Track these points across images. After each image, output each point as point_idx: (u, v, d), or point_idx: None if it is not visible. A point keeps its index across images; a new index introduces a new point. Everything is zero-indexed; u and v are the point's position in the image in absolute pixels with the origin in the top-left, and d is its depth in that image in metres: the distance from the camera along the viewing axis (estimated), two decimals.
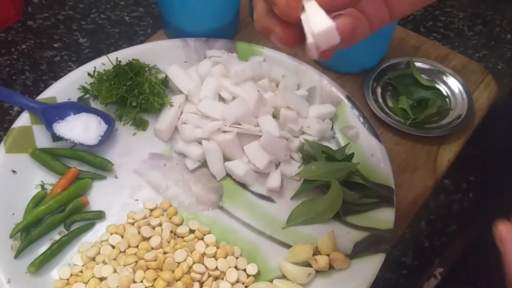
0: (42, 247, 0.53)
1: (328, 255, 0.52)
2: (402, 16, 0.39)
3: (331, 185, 0.56)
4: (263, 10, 0.34)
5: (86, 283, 0.50)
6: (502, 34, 0.82)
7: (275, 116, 0.63)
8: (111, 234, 0.54)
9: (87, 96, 0.64)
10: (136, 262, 0.50)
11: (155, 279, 0.50)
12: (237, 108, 0.60)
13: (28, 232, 0.53)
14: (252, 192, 0.59)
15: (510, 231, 0.36)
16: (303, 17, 0.33)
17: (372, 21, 0.38)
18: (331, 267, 0.52)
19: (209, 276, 0.51)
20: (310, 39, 0.33)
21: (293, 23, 0.33)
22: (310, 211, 0.57)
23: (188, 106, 0.64)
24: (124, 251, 0.52)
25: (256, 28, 0.36)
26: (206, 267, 0.51)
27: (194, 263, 0.51)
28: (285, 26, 0.34)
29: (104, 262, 0.51)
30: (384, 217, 0.55)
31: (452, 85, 0.69)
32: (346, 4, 0.32)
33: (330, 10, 0.32)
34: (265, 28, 0.35)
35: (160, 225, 0.55)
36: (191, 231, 0.55)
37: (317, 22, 0.32)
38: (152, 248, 0.52)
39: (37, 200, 0.55)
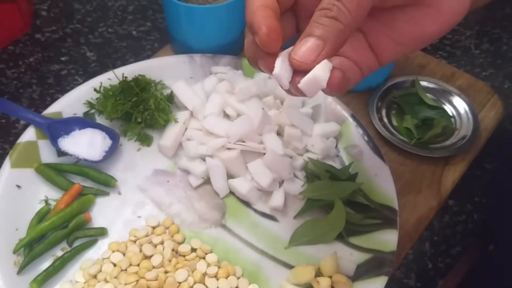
0: (45, 263, 0.53)
1: (330, 277, 0.52)
2: (390, 62, 0.40)
3: (334, 205, 0.56)
4: (252, 39, 0.36)
5: None
6: (509, 53, 0.82)
7: (279, 133, 0.63)
8: (113, 251, 0.54)
9: (93, 111, 0.65)
10: (137, 281, 0.50)
11: None
12: (242, 126, 0.60)
13: (31, 248, 0.53)
14: (255, 211, 0.59)
15: None
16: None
17: (361, 68, 0.39)
18: None
19: None
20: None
21: (276, 52, 0.35)
22: (313, 231, 0.56)
23: (193, 123, 0.64)
24: (126, 270, 0.52)
25: (245, 54, 0.38)
26: (207, 287, 0.51)
27: (195, 283, 0.51)
28: (272, 55, 0.35)
29: (106, 280, 0.51)
30: (387, 239, 0.55)
31: (457, 104, 0.69)
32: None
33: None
34: (253, 55, 0.37)
35: (162, 243, 0.55)
36: (193, 250, 0.55)
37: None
38: (154, 267, 0.52)
39: (41, 216, 0.56)
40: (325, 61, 0.34)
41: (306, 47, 0.33)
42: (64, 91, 0.70)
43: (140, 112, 0.62)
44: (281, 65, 0.35)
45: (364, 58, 0.39)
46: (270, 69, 0.36)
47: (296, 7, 0.39)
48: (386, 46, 0.39)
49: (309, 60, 0.33)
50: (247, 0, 0.35)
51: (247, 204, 0.60)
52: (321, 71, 0.34)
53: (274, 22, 0.34)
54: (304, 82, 0.34)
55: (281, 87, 0.37)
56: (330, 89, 0.35)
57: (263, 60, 0.36)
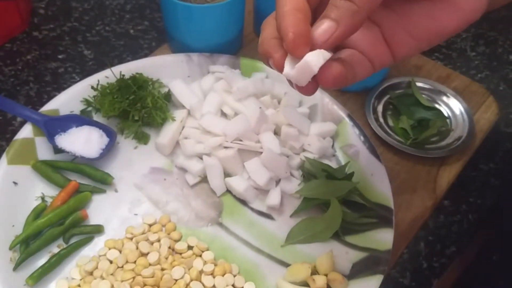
0: (41, 260, 0.53)
1: (326, 275, 0.52)
2: (405, 58, 0.40)
3: (330, 204, 0.56)
4: (269, 35, 0.37)
5: None
6: (505, 55, 0.82)
7: (276, 133, 0.63)
8: (109, 248, 0.54)
9: (90, 109, 0.65)
10: (134, 278, 0.50)
11: None
12: (239, 124, 0.60)
13: (27, 244, 0.53)
14: (252, 209, 0.59)
15: None
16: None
17: (373, 62, 0.39)
18: (328, 287, 0.52)
19: None
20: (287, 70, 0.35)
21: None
22: (309, 230, 0.57)
23: (190, 121, 0.64)
24: (122, 267, 0.52)
25: (258, 50, 0.38)
26: (203, 284, 0.51)
27: (191, 280, 0.51)
28: (283, 54, 0.35)
29: (102, 277, 0.51)
30: (383, 238, 0.55)
31: (453, 106, 0.70)
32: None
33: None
34: (266, 52, 0.37)
35: (159, 240, 0.55)
36: (190, 248, 0.55)
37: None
38: (150, 264, 0.52)
39: (37, 213, 0.56)
40: (322, 50, 0.34)
41: (320, 28, 0.33)
42: (61, 88, 0.70)
43: (137, 110, 0.63)
44: (290, 64, 0.35)
45: (378, 52, 0.39)
46: (279, 68, 0.36)
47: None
48: (402, 40, 0.39)
49: (321, 41, 0.33)
50: (278, 1, 0.35)
51: (243, 202, 0.60)
52: (314, 57, 0.34)
53: (303, 27, 0.34)
54: (296, 69, 0.35)
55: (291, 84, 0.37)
56: (325, 80, 0.35)
57: (273, 59, 0.36)
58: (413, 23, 0.38)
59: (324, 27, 0.33)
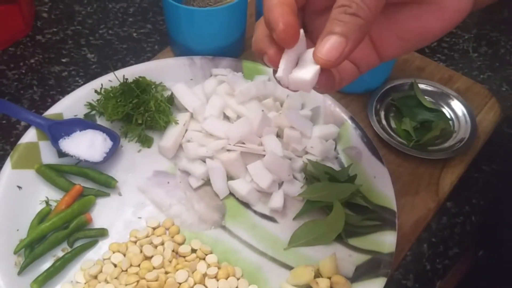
0: (45, 264, 0.53)
1: (329, 278, 0.52)
2: (392, 58, 0.41)
3: (333, 206, 0.56)
4: (262, 33, 0.37)
5: None
6: (507, 56, 0.82)
7: (279, 135, 0.63)
8: (114, 252, 0.54)
9: (93, 112, 0.65)
10: (138, 281, 0.50)
11: None
12: (242, 127, 0.60)
13: (32, 248, 0.53)
14: (255, 212, 0.60)
15: None
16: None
17: (359, 64, 0.39)
18: None
19: None
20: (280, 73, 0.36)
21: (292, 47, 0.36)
22: (312, 233, 0.57)
23: (193, 124, 0.65)
24: (126, 270, 0.52)
25: (252, 48, 0.39)
26: None
27: (195, 283, 0.51)
28: (277, 50, 0.36)
29: (106, 281, 0.52)
30: (386, 241, 0.55)
31: (455, 107, 0.70)
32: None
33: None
34: (260, 49, 0.38)
35: (162, 244, 0.55)
36: (193, 251, 0.55)
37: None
38: (154, 268, 0.52)
39: (42, 216, 0.56)
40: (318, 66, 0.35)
41: (329, 44, 0.33)
42: (64, 92, 0.70)
43: (140, 114, 0.63)
44: (284, 67, 0.35)
45: (364, 54, 0.39)
46: (273, 64, 0.37)
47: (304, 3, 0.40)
48: (389, 41, 0.39)
49: (334, 58, 0.33)
50: None
51: (246, 205, 0.60)
52: (312, 76, 0.35)
53: (291, 18, 0.34)
54: (292, 77, 0.36)
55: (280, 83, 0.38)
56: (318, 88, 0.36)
57: (267, 55, 0.37)
58: (400, 25, 0.39)
59: (333, 43, 0.33)
